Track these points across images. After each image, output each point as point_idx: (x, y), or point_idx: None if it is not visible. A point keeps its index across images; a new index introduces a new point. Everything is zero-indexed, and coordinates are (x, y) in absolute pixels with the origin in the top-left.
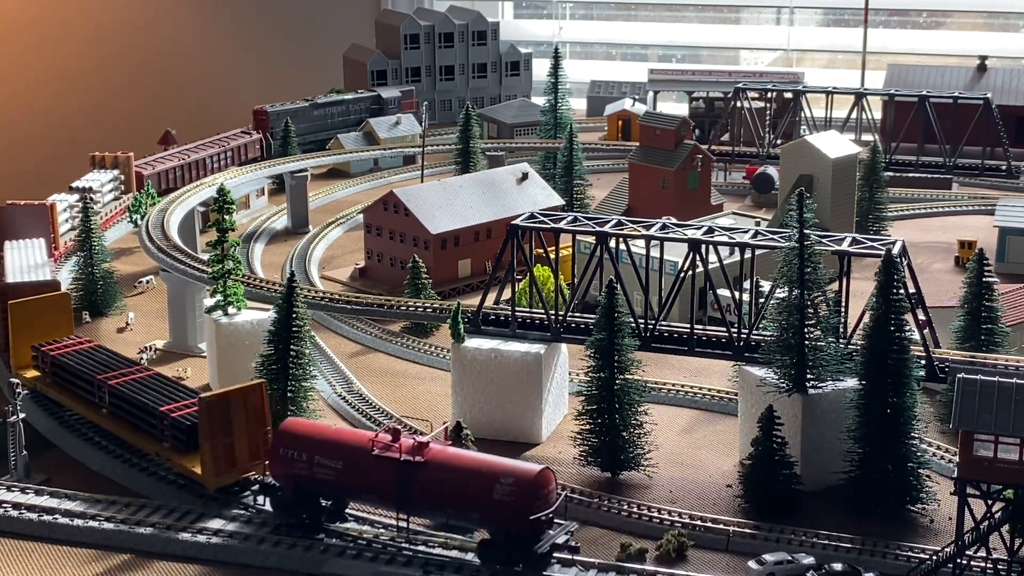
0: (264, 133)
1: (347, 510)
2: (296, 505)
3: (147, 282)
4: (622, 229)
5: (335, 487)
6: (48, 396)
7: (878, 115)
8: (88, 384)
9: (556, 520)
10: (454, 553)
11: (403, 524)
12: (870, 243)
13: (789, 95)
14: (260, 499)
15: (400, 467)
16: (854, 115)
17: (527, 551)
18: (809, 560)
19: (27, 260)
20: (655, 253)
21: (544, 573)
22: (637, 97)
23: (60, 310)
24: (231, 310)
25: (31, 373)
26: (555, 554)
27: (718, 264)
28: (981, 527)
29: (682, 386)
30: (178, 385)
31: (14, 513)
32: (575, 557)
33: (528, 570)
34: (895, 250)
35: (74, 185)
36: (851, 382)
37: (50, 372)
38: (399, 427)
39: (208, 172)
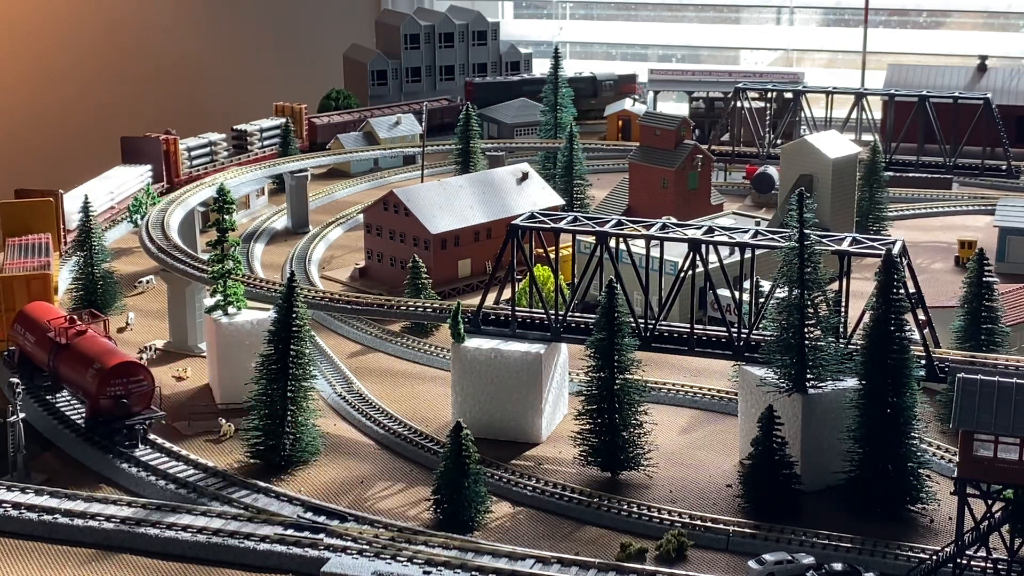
0: (469, 101)
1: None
2: (19, 367)
3: (147, 282)
4: (622, 229)
5: (33, 357)
6: None
7: (878, 115)
8: None
9: (153, 409)
10: (454, 553)
11: (403, 524)
12: (870, 243)
13: (789, 95)
14: None
15: (52, 346)
16: (854, 115)
17: (109, 427)
18: (809, 560)
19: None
20: (655, 253)
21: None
22: (637, 97)
23: None
24: (231, 310)
25: None
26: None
27: (718, 264)
28: (981, 527)
29: (682, 386)
30: None
31: (14, 513)
32: (136, 441)
33: (113, 445)
34: (895, 250)
35: (236, 127)
36: (851, 382)
37: None
38: (83, 314)
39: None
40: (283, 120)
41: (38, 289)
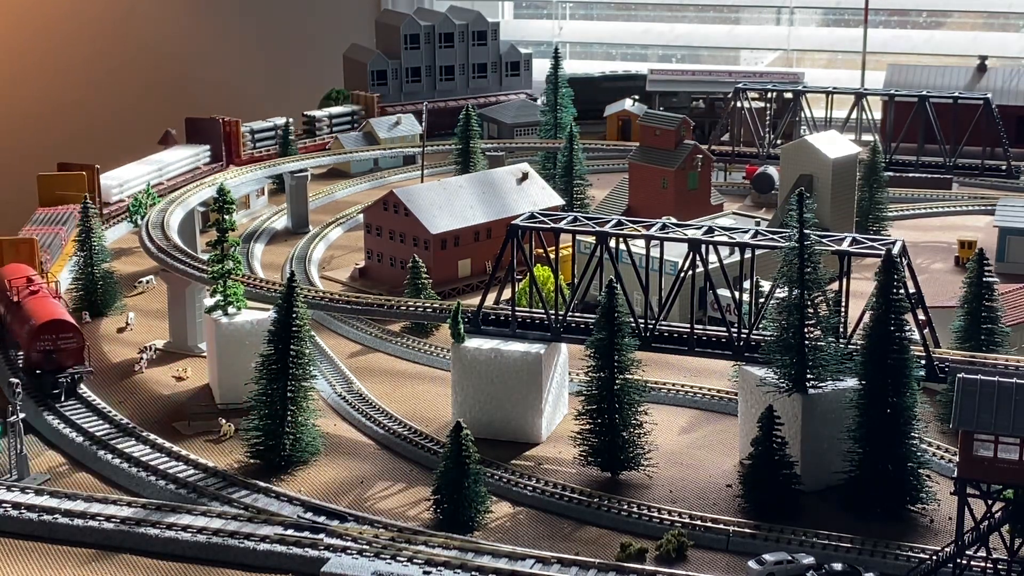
0: None
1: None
2: None
3: (147, 282)
4: (622, 229)
5: (4, 314)
6: None
7: (878, 115)
8: None
9: (83, 365)
10: (454, 553)
11: (403, 524)
12: (870, 243)
13: (789, 95)
14: None
15: (7, 303)
16: (854, 115)
17: (40, 380)
18: (809, 560)
19: None
20: (655, 253)
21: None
22: (637, 97)
23: None
24: (231, 310)
25: None
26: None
27: (718, 264)
28: (981, 527)
29: (682, 386)
30: None
31: (14, 513)
32: (62, 393)
33: (47, 398)
34: (895, 250)
35: (308, 112)
36: (851, 382)
37: None
38: (33, 275)
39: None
40: (357, 108)
41: (25, 252)
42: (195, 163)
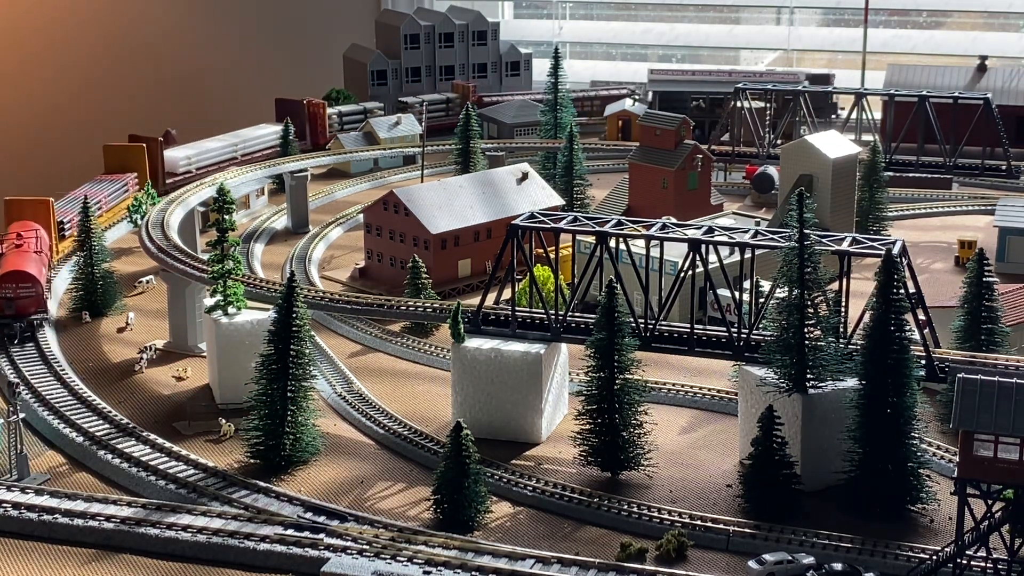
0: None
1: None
2: None
3: (147, 282)
4: (622, 229)
5: None
6: None
7: (878, 115)
8: None
9: (42, 312)
10: (454, 553)
11: (403, 524)
12: (870, 243)
13: (790, 96)
14: None
15: None
16: (854, 115)
17: (11, 327)
18: (809, 560)
19: None
20: (655, 253)
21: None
22: (637, 97)
23: None
24: (231, 310)
25: None
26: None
27: (718, 264)
28: (981, 527)
29: (682, 386)
30: None
31: (14, 513)
32: (17, 336)
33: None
34: (895, 250)
35: (402, 99)
36: (851, 382)
37: None
38: (31, 231)
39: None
40: (451, 96)
41: (41, 211)
42: (273, 141)
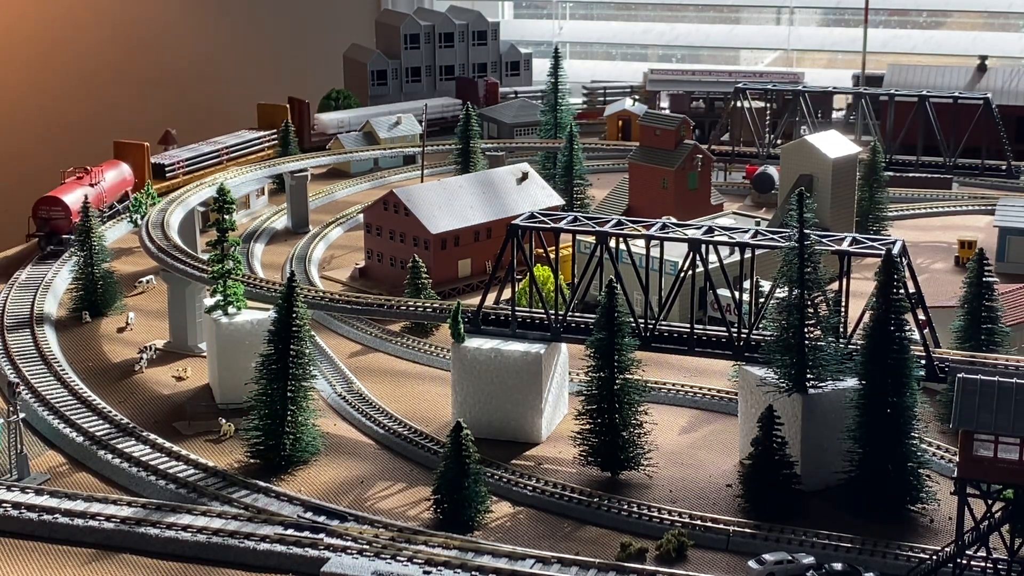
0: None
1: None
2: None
3: (147, 282)
4: (622, 229)
5: None
6: None
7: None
8: None
9: (71, 234)
10: (454, 553)
11: (403, 524)
12: (870, 243)
13: (790, 96)
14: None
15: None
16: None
17: (39, 239)
18: (809, 560)
19: None
20: (655, 253)
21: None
22: (637, 97)
23: None
24: (231, 310)
25: None
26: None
27: (718, 264)
28: (981, 527)
29: (682, 386)
30: None
31: (14, 513)
32: (45, 249)
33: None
34: (895, 250)
35: (586, 86)
36: (851, 382)
37: None
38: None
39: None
40: (636, 84)
41: (136, 154)
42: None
